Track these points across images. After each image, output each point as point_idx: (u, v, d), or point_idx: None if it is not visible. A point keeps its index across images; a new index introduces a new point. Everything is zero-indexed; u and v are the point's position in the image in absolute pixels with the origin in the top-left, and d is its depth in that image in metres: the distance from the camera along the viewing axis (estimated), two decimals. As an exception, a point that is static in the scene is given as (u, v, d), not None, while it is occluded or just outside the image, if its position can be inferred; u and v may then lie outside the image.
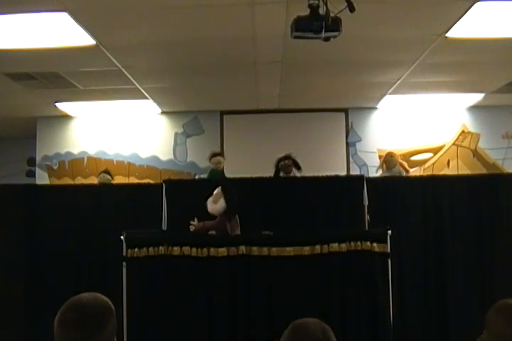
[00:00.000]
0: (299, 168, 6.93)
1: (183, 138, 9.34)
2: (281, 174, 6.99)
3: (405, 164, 7.91)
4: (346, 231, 4.99)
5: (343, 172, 8.52)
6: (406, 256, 5.59)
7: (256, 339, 4.34)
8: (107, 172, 8.01)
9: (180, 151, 9.33)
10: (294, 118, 9.20)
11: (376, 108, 9.16)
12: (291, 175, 6.93)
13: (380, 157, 9.12)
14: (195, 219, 5.25)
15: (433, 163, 9.08)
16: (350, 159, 9.21)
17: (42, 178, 9.24)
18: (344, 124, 9.28)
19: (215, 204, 5.20)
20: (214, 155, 7.57)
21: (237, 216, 5.27)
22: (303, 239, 4.67)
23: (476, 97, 8.42)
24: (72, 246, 5.84)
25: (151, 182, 8.20)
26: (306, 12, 3.96)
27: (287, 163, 6.96)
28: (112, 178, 7.99)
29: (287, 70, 6.78)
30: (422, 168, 9.05)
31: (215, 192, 5.23)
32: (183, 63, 6.49)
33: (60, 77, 6.73)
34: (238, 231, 5.21)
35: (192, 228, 5.23)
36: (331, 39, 4.11)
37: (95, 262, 5.82)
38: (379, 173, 7.84)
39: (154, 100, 8.36)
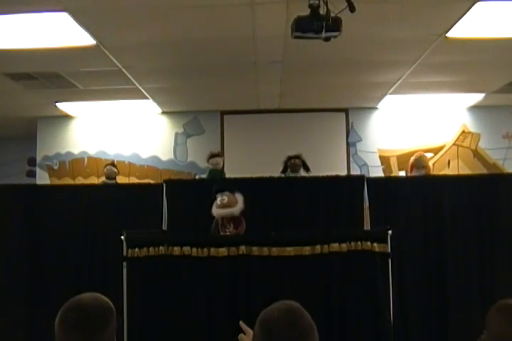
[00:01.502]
0: (307, 169, 6.96)
1: (183, 138, 9.34)
2: (288, 171, 7.02)
3: (431, 169, 7.88)
4: (346, 231, 4.99)
5: (343, 172, 8.53)
6: (406, 256, 5.58)
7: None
8: (113, 165, 8.08)
9: (180, 151, 9.33)
10: (295, 118, 9.20)
11: (376, 108, 9.16)
12: (298, 175, 6.94)
13: (380, 157, 9.14)
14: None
15: (433, 163, 9.06)
16: (351, 159, 9.21)
17: (42, 178, 9.25)
18: (344, 124, 9.28)
19: (232, 207, 5.15)
20: (212, 156, 7.58)
21: None
22: (303, 239, 4.66)
23: (477, 97, 8.42)
24: (72, 246, 5.85)
25: (152, 182, 8.21)
26: (307, 12, 3.96)
27: (297, 162, 6.99)
28: (118, 172, 8.05)
29: (287, 70, 6.78)
30: (423, 168, 9.04)
31: (223, 197, 5.19)
32: (183, 63, 6.49)
33: (60, 77, 6.74)
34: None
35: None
36: (332, 39, 4.10)
37: (95, 262, 5.83)
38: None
39: (155, 100, 8.36)
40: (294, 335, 1.81)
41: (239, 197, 5.20)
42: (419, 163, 7.44)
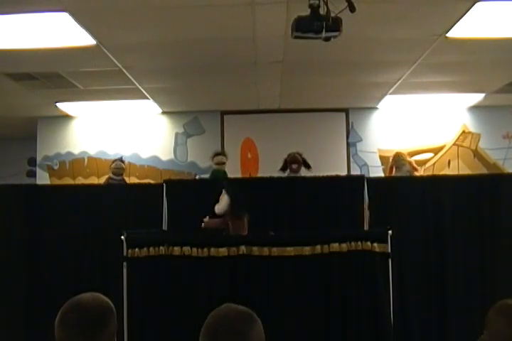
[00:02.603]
0: (308, 166, 6.95)
1: (183, 138, 9.34)
2: (288, 172, 7.01)
3: (413, 162, 7.89)
4: (347, 231, 4.99)
5: (343, 173, 8.52)
6: (406, 256, 5.58)
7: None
8: (121, 160, 8.09)
9: (180, 151, 9.33)
10: (295, 118, 9.19)
11: (377, 108, 9.16)
12: (298, 174, 6.94)
13: (380, 157, 9.13)
14: (207, 217, 5.32)
15: (433, 163, 9.07)
16: (351, 159, 9.21)
17: (42, 178, 9.25)
18: (345, 124, 9.28)
19: (219, 204, 5.24)
20: (217, 154, 7.61)
21: (245, 219, 5.29)
22: (303, 239, 4.67)
23: (477, 97, 8.41)
24: (72, 246, 5.85)
25: (152, 182, 8.21)
26: (307, 12, 3.95)
27: (297, 156, 6.99)
28: (125, 168, 8.09)
29: (288, 70, 6.78)
30: (423, 168, 9.03)
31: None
32: (183, 63, 6.49)
33: (60, 77, 6.74)
34: (243, 233, 5.25)
35: (203, 224, 5.31)
36: (332, 39, 4.10)
37: (95, 262, 5.83)
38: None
39: (155, 100, 8.35)
40: (232, 318, 1.89)
41: (224, 199, 5.28)
42: (398, 162, 7.42)
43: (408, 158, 7.75)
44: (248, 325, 1.85)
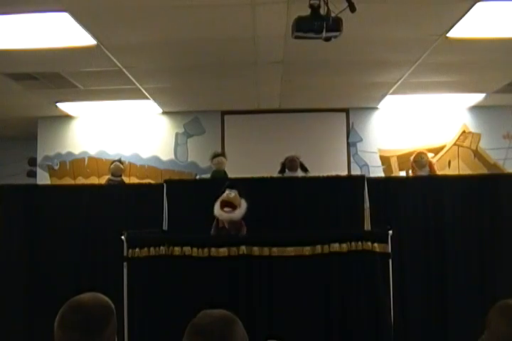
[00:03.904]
0: (306, 170, 6.98)
1: (183, 138, 9.35)
2: (287, 171, 7.03)
3: (435, 165, 7.72)
4: (347, 232, 4.98)
5: (343, 173, 8.53)
6: (407, 256, 5.58)
7: (256, 339, 4.33)
8: (120, 161, 8.21)
9: (181, 151, 9.33)
10: (295, 118, 9.20)
11: (377, 108, 9.16)
12: (296, 174, 6.96)
13: (381, 157, 9.14)
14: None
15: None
16: (351, 159, 9.21)
17: (43, 178, 9.25)
18: (345, 124, 9.28)
19: (233, 211, 5.13)
20: (216, 155, 7.64)
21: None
22: (304, 239, 4.66)
23: (477, 97, 8.42)
24: (73, 246, 5.84)
25: (152, 182, 8.21)
26: (307, 12, 3.96)
27: (294, 160, 7.02)
28: (123, 169, 8.19)
29: (288, 70, 6.78)
30: (423, 168, 9.04)
31: (231, 192, 5.16)
32: (183, 63, 6.49)
33: (60, 77, 6.74)
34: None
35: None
36: (332, 39, 4.10)
37: (96, 262, 5.82)
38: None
39: (155, 100, 8.36)
40: (211, 322, 1.83)
41: (243, 203, 5.20)
42: (419, 163, 7.36)
43: (430, 159, 7.57)
44: (229, 329, 1.83)
